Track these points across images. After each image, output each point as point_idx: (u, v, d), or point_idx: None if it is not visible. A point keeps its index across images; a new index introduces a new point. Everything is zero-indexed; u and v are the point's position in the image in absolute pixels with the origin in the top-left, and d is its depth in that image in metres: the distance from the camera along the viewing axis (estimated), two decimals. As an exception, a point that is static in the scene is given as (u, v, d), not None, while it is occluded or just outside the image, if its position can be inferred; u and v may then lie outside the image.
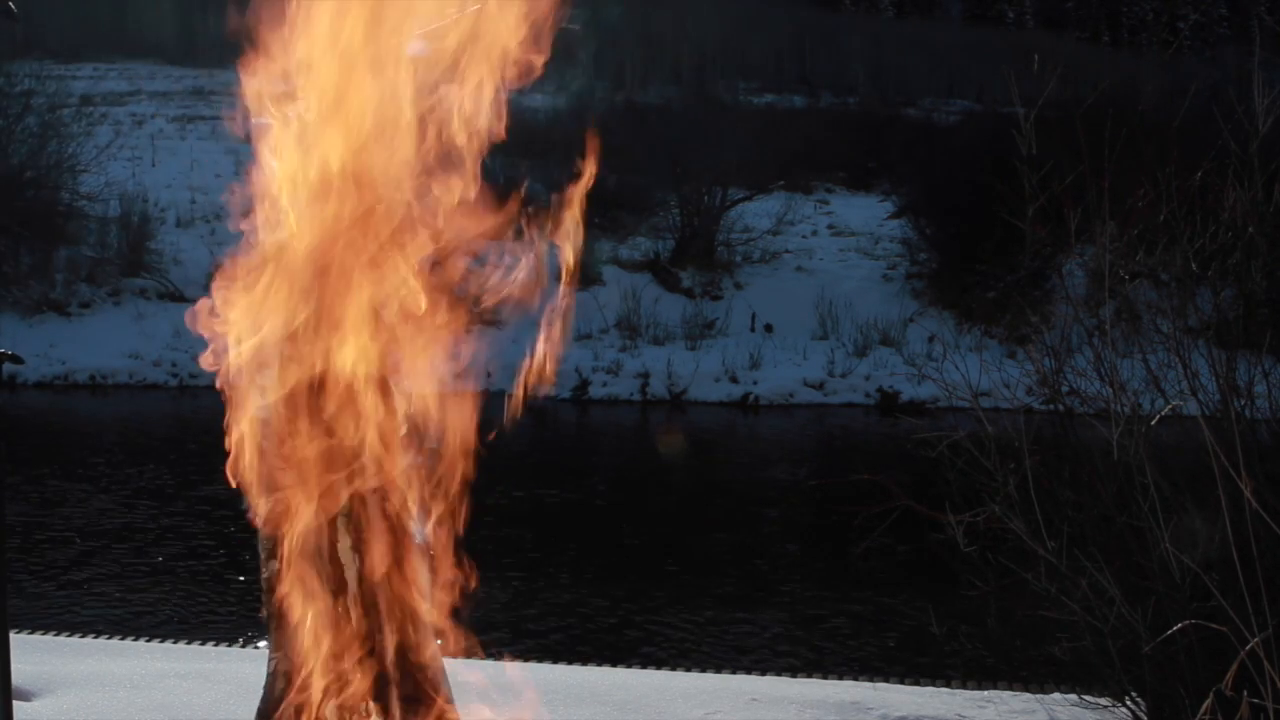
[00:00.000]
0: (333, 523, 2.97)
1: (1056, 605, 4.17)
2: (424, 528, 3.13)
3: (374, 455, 2.98)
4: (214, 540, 10.54)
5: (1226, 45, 38.86)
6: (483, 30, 3.05)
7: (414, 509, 3.09)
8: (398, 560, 3.01)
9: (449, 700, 3.11)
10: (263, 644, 3.08)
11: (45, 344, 19.15)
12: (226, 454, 3.06)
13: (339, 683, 2.96)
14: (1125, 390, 4.28)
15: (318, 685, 2.95)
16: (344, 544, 2.97)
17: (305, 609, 2.96)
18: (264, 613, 3.03)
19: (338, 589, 2.97)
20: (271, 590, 3.00)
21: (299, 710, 2.96)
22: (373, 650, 2.98)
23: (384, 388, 3.04)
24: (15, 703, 3.21)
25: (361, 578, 2.98)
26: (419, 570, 3.07)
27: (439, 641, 3.15)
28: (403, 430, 3.09)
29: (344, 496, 2.96)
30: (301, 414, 2.95)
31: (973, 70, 39.83)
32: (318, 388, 2.97)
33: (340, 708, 2.96)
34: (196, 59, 38.84)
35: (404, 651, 3.01)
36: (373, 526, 2.99)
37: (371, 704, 2.98)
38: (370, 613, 2.98)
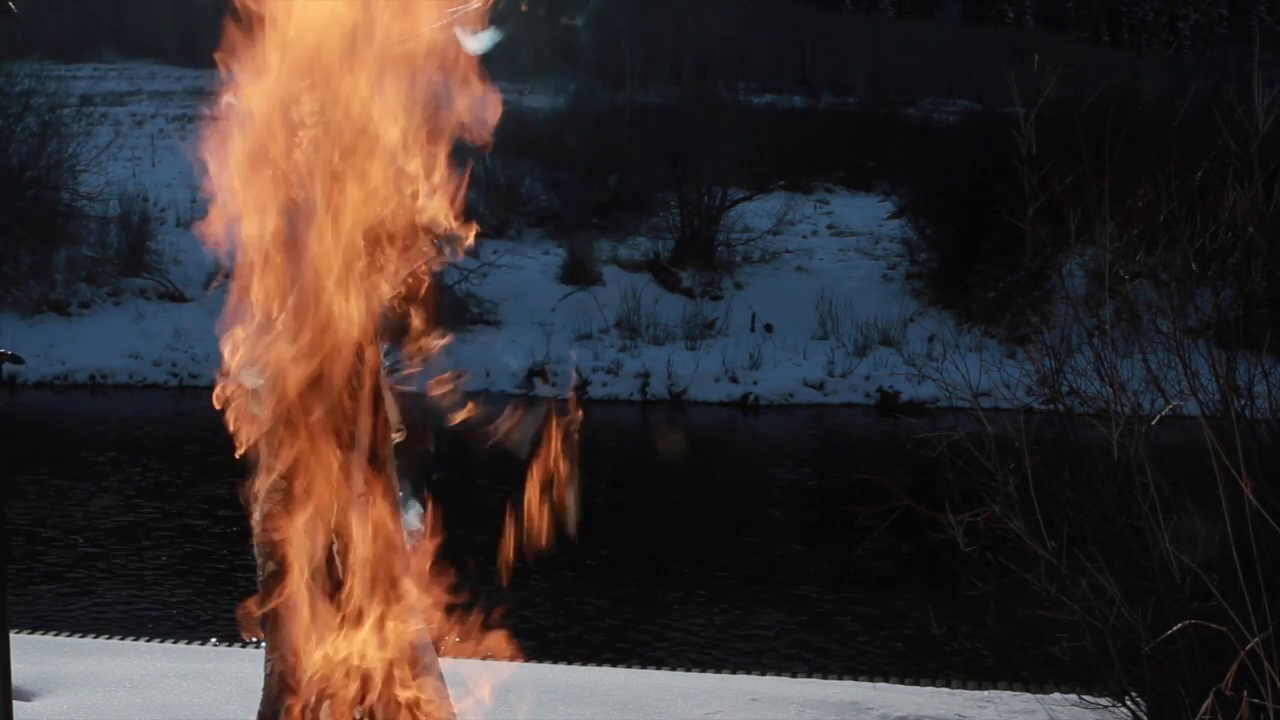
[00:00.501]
0: (326, 526, 2.97)
1: (1056, 605, 4.17)
2: (417, 529, 3.13)
3: (365, 456, 2.98)
4: (215, 540, 10.54)
5: (1226, 45, 38.85)
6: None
7: (405, 510, 3.09)
8: (388, 562, 3.01)
9: (444, 701, 3.11)
10: (264, 644, 3.08)
11: (45, 344, 19.14)
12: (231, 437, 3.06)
13: (332, 685, 2.97)
14: (1125, 390, 4.28)
15: (312, 687, 2.96)
16: (336, 546, 2.97)
17: (300, 611, 2.96)
18: (261, 614, 3.03)
19: (330, 591, 2.98)
20: (268, 591, 3.00)
21: (294, 712, 2.97)
22: (364, 652, 2.99)
23: (377, 390, 3.04)
24: (15, 703, 3.21)
25: (352, 579, 2.98)
26: (409, 572, 3.07)
27: (433, 641, 3.15)
28: (399, 435, 3.09)
29: (335, 499, 2.97)
30: (291, 416, 2.95)
31: (973, 70, 39.82)
32: (310, 388, 2.96)
33: (334, 710, 2.97)
34: (196, 59, 38.85)
35: (395, 653, 3.01)
36: (363, 529, 2.99)
37: (362, 707, 2.98)
38: (361, 614, 2.98)
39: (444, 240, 3.11)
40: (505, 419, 3.22)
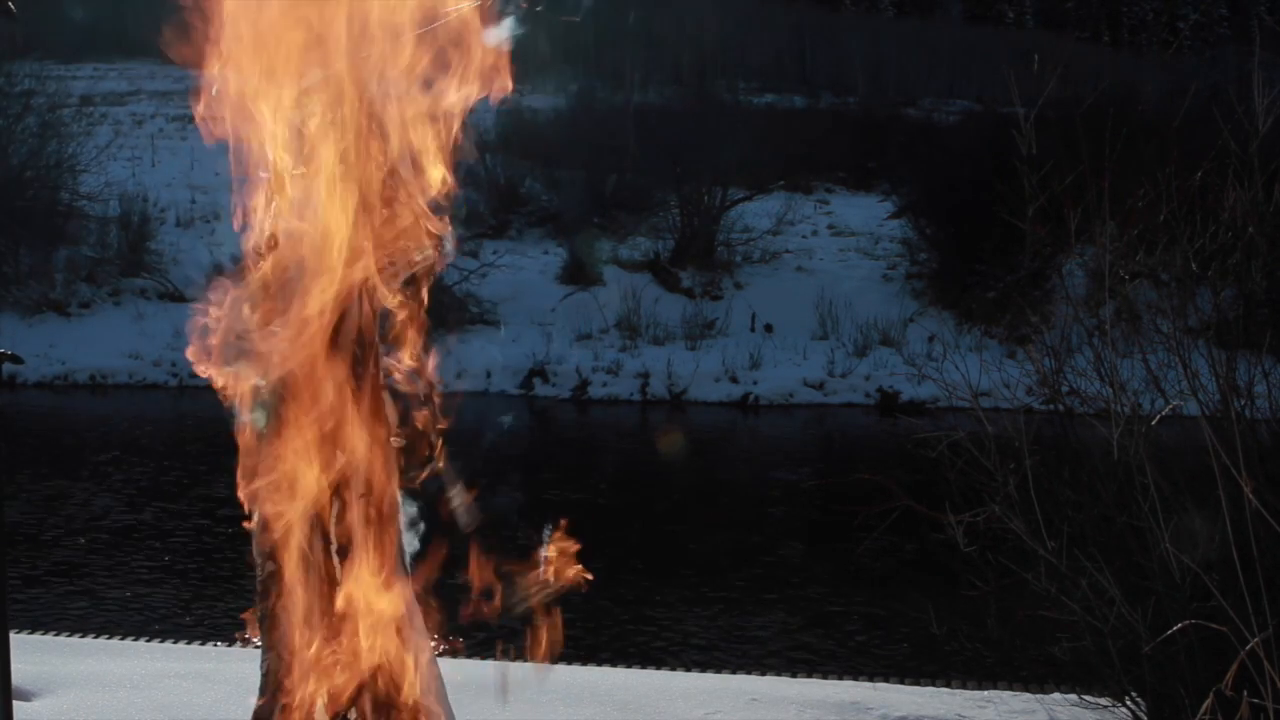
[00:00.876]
0: (323, 526, 2.97)
1: (1056, 605, 4.17)
2: (413, 530, 3.13)
3: (364, 461, 2.98)
4: (215, 540, 10.54)
5: (1226, 45, 38.86)
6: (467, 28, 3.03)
7: (402, 512, 3.09)
8: (383, 563, 3.01)
9: (441, 699, 3.11)
10: (261, 644, 3.09)
11: (45, 344, 19.14)
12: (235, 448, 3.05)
13: (325, 684, 2.97)
14: (1125, 390, 4.28)
15: (306, 686, 2.96)
16: (334, 547, 2.98)
17: (295, 610, 2.97)
18: (259, 613, 3.03)
19: (325, 591, 2.98)
20: (266, 591, 3.00)
21: (288, 711, 2.97)
22: (356, 652, 2.99)
23: (376, 396, 3.03)
24: (15, 703, 3.22)
25: (349, 580, 2.99)
26: (403, 571, 3.06)
27: (431, 640, 3.15)
28: (397, 441, 3.08)
29: (333, 500, 2.97)
30: (290, 416, 2.96)
31: (973, 70, 39.85)
32: (307, 387, 2.97)
33: (329, 706, 2.97)
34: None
35: (385, 654, 3.02)
36: (360, 530, 2.99)
37: (357, 704, 2.99)
38: (354, 615, 2.99)
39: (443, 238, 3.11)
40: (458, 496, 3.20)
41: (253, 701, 3.05)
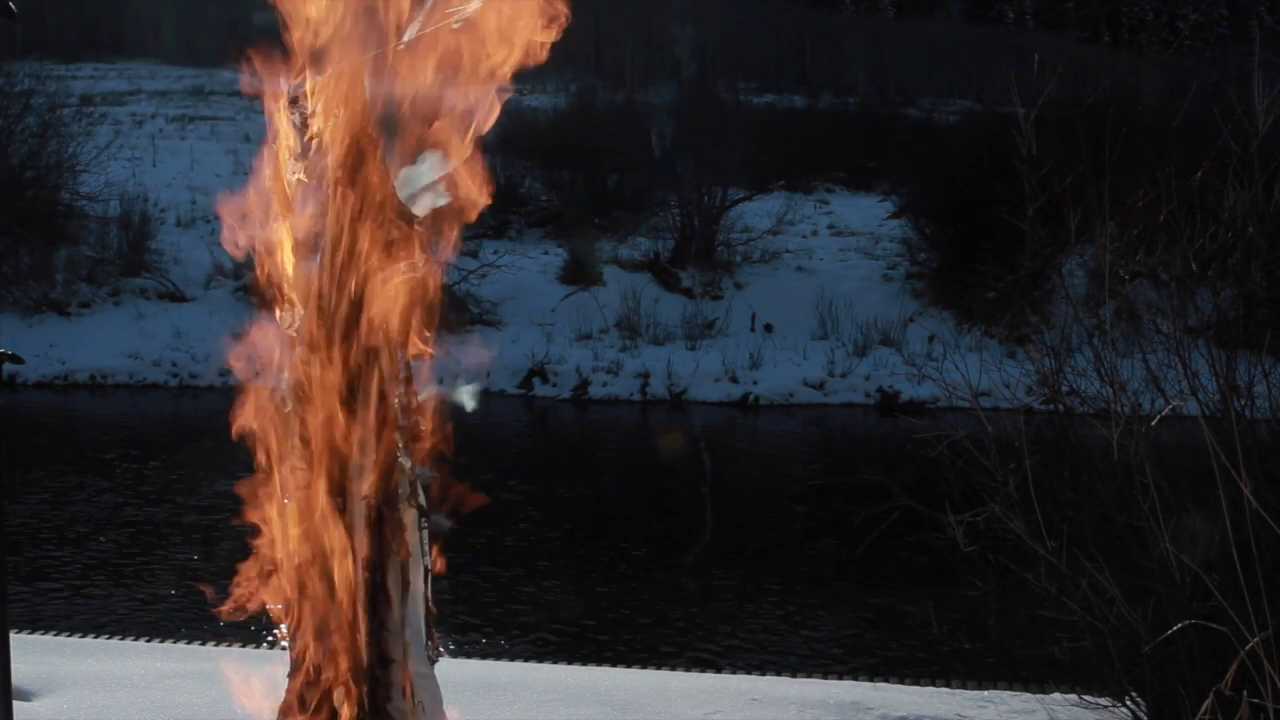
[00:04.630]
0: (334, 523, 2.98)
1: (1056, 605, 4.17)
2: (425, 532, 3.13)
3: (378, 465, 2.99)
4: (216, 539, 10.53)
5: (1226, 45, 38.87)
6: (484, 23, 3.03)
7: (413, 514, 3.09)
8: (385, 564, 3.02)
9: (435, 702, 3.11)
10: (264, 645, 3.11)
11: (45, 344, 19.14)
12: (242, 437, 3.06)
13: (334, 678, 2.99)
14: (1125, 390, 4.29)
15: (314, 677, 2.98)
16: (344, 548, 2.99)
17: (309, 603, 2.99)
18: (283, 605, 3.06)
19: (335, 588, 2.99)
20: (289, 583, 3.03)
21: (306, 702, 3.00)
22: (353, 648, 3.00)
23: (386, 400, 3.04)
24: (15, 703, 3.22)
25: (352, 577, 3.00)
26: (400, 572, 3.07)
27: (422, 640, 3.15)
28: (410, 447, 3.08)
29: (345, 506, 2.98)
30: (316, 416, 2.97)
31: (973, 70, 39.93)
32: (321, 389, 2.97)
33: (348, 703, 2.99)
34: (196, 59, 38.83)
35: (378, 652, 3.03)
36: (368, 528, 3.00)
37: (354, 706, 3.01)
38: (353, 614, 3.00)
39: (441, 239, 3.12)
40: None
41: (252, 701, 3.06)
